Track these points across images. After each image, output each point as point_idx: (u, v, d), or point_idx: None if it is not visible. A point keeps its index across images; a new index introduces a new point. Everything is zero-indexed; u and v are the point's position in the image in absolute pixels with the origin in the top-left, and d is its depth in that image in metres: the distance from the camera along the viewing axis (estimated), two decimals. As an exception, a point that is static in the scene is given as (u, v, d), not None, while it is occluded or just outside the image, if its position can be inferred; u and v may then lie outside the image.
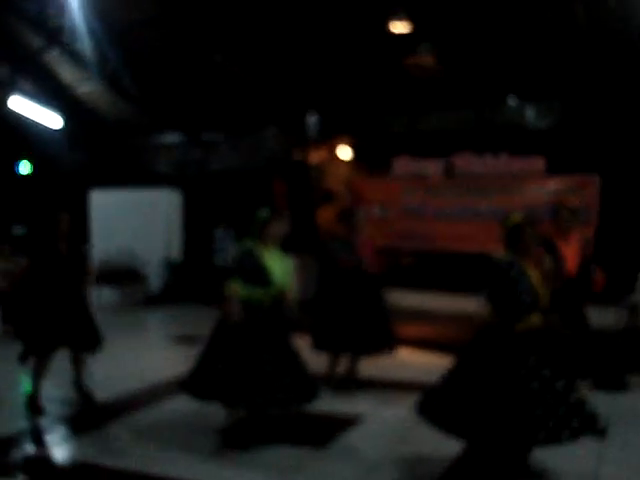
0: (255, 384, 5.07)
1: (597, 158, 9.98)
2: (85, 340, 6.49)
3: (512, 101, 10.64)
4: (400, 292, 10.19)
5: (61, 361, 6.54)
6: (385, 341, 6.98)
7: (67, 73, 14.13)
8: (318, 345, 7.01)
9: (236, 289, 5.17)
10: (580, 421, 4.26)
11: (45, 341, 6.28)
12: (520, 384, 4.24)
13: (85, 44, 12.96)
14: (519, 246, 4.45)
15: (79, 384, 6.58)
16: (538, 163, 10.52)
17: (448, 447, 4.74)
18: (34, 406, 6.23)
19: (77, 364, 6.58)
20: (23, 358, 6.38)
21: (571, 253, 6.05)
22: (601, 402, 6.37)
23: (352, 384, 7.01)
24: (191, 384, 5.36)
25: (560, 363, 4.41)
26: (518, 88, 10.41)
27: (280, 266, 5.35)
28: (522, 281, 4.32)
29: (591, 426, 4.31)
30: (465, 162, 11.16)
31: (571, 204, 6.81)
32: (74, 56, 13.34)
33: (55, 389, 6.70)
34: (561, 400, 4.26)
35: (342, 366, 7.11)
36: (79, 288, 6.52)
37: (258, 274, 5.21)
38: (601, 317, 9.31)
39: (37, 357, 6.35)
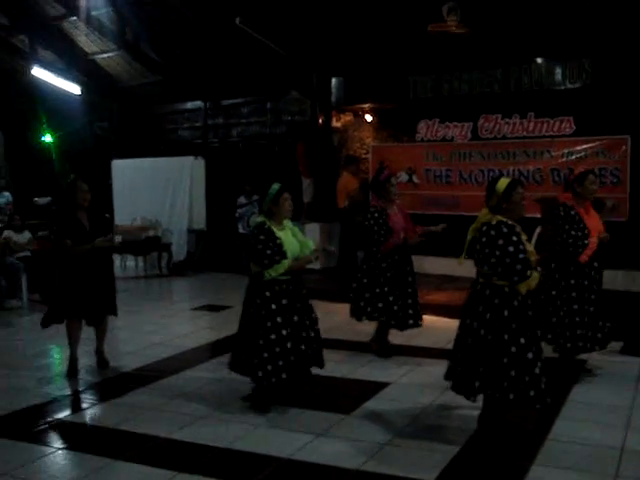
0: (284, 361, 5.23)
1: (628, 118, 9.73)
2: (104, 309, 6.57)
3: (540, 61, 10.37)
4: (427, 259, 10.12)
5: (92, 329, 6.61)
6: (415, 315, 6.91)
7: (86, 41, 14.07)
8: (355, 314, 7.00)
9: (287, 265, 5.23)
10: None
11: (68, 309, 6.34)
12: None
13: (103, 11, 12.89)
14: (506, 208, 4.48)
15: (100, 351, 6.71)
16: (567, 124, 10.33)
17: (471, 416, 4.72)
18: (71, 371, 6.37)
19: (98, 332, 6.69)
20: (45, 324, 6.49)
21: (593, 219, 5.92)
22: (631, 366, 6.36)
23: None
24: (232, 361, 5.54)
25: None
26: (547, 47, 10.12)
27: (292, 240, 5.36)
28: (523, 243, 4.37)
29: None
30: (492, 125, 10.97)
31: (595, 170, 6.66)
32: (93, 24, 13.25)
33: (85, 356, 6.75)
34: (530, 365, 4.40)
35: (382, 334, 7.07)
36: (103, 258, 6.50)
37: (273, 250, 5.19)
38: (632, 282, 9.21)
39: (66, 323, 6.43)
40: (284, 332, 5.23)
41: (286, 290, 5.29)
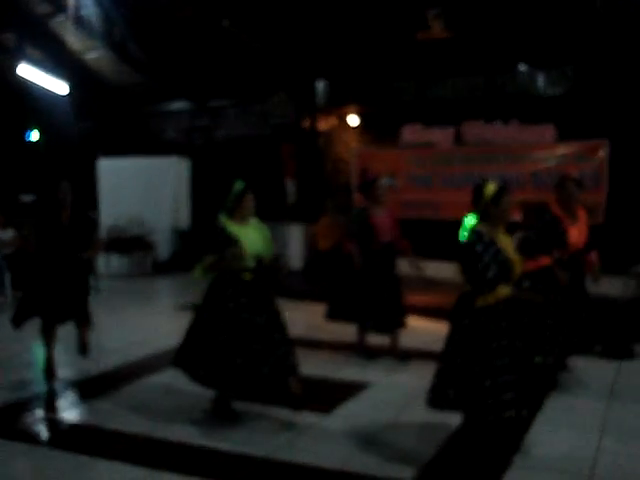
0: (241, 366, 5.04)
1: (608, 125, 9.86)
2: (73, 314, 6.43)
3: (523, 67, 10.48)
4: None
5: (70, 326, 6.58)
6: (398, 318, 6.95)
7: (74, 40, 14.04)
8: (332, 315, 7.05)
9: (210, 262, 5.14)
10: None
11: (43, 310, 6.25)
12: (485, 355, 4.31)
13: (91, 10, 12.88)
14: (494, 213, 4.43)
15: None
16: (548, 131, 10.44)
17: (453, 415, 4.76)
18: (48, 371, 6.29)
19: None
20: (15, 322, 6.32)
21: (578, 227, 5.90)
22: (607, 370, 6.44)
23: (396, 356, 6.97)
24: (183, 361, 5.29)
25: (528, 332, 4.48)
26: (529, 54, 10.24)
27: (254, 237, 5.26)
28: (489, 253, 4.30)
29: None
30: (475, 130, 11.06)
31: (575, 175, 6.58)
32: (80, 23, 13.24)
33: (66, 354, 6.75)
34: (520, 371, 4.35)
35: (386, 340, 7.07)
36: (80, 257, 6.37)
37: (228, 247, 5.12)
38: (609, 286, 9.30)
39: (42, 324, 6.34)
40: (233, 334, 5.06)
41: (248, 289, 5.17)
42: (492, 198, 4.42)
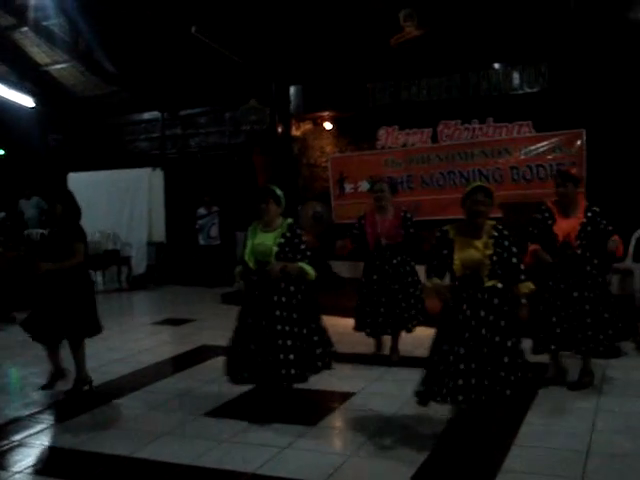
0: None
1: (585, 121, 9.86)
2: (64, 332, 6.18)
3: (498, 66, 10.48)
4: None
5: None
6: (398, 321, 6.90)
7: (39, 52, 13.82)
8: (359, 327, 7.04)
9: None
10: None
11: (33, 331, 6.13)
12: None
13: (55, 21, 12.67)
14: (465, 212, 4.60)
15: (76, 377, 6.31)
16: (525, 128, 10.44)
17: (437, 425, 4.70)
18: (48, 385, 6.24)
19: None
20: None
21: (571, 220, 5.75)
22: (595, 369, 6.39)
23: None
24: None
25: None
26: (504, 53, 10.25)
27: (263, 244, 5.28)
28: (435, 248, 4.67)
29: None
30: (452, 130, 11.03)
31: (569, 170, 6.41)
32: (45, 34, 13.03)
33: (40, 377, 6.57)
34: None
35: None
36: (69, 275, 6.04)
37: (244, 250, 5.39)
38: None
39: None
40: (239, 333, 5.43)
41: (254, 289, 5.33)
42: (464, 196, 4.60)
